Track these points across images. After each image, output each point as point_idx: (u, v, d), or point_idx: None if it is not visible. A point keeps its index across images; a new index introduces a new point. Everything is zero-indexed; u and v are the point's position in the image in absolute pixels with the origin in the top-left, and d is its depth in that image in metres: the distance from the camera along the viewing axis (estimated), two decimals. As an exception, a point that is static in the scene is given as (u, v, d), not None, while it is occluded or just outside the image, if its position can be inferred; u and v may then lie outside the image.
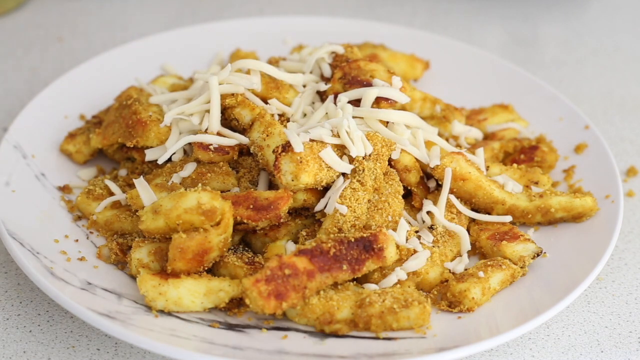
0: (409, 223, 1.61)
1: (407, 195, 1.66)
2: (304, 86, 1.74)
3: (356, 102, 1.67)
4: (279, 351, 1.43)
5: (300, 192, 1.57)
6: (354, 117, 1.64)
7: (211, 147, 1.62)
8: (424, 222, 1.62)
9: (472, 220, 1.66)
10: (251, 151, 1.63)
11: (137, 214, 1.60)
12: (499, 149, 1.78)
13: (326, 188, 1.57)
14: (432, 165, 1.63)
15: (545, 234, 1.66)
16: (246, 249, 1.60)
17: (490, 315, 1.50)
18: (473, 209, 1.66)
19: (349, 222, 1.53)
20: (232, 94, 1.65)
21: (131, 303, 1.49)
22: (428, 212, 1.62)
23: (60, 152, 1.77)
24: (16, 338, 1.53)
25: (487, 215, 1.65)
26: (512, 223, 1.66)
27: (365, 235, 1.49)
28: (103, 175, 1.74)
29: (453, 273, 1.57)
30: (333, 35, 2.02)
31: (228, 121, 1.67)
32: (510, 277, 1.56)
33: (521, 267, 1.58)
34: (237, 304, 1.52)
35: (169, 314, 1.49)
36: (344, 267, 1.48)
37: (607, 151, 1.77)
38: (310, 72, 1.75)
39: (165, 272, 1.51)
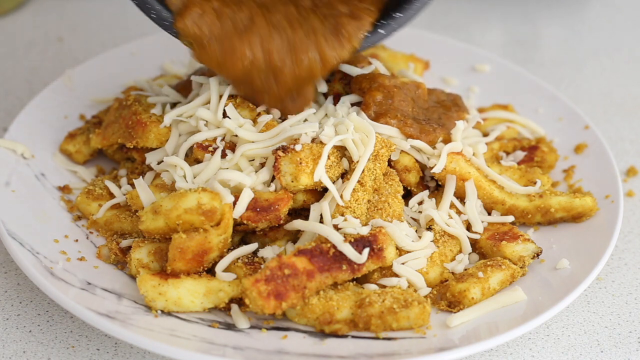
0: (409, 223, 1.62)
1: (407, 195, 1.66)
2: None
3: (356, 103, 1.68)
4: (279, 351, 1.43)
5: (300, 193, 1.57)
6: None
7: (211, 148, 1.62)
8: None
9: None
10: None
11: (137, 214, 1.60)
12: (499, 149, 1.78)
13: (326, 189, 1.57)
14: (430, 165, 1.63)
15: (545, 234, 1.66)
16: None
17: (490, 315, 1.50)
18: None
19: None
20: (232, 95, 1.65)
21: (131, 303, 1.49)
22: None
23: (60, 152, 1.77)
24: (16, 338, 1.53)
25: (488, 215, 1.65)
26: (512, 223, 1.66)
27: (365, 235, 1.49)
28: (103, 175, 1.74)
29: (453, 273, 1.57)
30: (333, 35, 2.01)
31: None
32: (510, 277, 1.56)
33: (521, 267, 1.58)
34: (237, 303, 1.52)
35: (169, 314, 1.49)
36: (344, 267, 1.47)
37: (607, 151, 1.77)
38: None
39: (165, 272, 1.51)
